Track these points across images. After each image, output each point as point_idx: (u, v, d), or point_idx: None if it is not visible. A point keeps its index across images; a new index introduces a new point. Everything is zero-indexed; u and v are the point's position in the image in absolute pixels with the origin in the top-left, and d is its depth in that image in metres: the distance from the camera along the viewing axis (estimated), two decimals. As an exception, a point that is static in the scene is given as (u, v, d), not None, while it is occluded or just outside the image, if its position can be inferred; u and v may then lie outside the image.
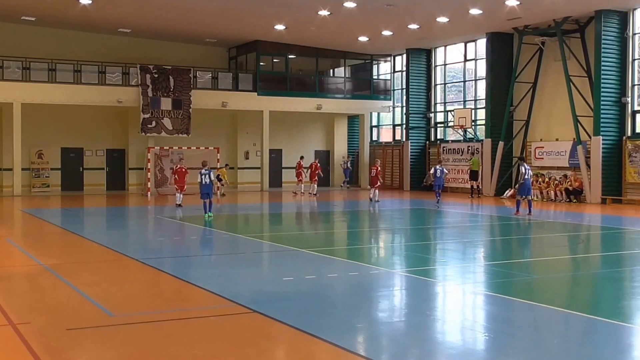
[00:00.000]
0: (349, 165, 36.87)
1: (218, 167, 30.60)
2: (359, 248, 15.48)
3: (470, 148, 32.58)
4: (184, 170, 25.37)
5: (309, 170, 32.01)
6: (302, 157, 32.78)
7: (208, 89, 34.02)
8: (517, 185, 22.22)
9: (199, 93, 33.34)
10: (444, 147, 34.41)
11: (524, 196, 21.45)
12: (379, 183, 27.95)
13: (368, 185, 30.39)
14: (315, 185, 31.66)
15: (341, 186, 36.39)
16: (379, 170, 28.15)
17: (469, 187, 30.93)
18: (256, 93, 34.70)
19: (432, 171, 27.53)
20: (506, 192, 30.02)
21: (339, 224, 21.94)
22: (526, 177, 21.20)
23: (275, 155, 37.05)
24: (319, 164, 32.48)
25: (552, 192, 27.89)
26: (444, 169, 26.78)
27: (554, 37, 28.42)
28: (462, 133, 33.46)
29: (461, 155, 33.13)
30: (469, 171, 31.39)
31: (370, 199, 27.65)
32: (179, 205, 24.09)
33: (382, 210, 24.67)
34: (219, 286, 10.14)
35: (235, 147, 36.91)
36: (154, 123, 32.31)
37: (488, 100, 31.25)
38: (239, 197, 30.85)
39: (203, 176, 20.15)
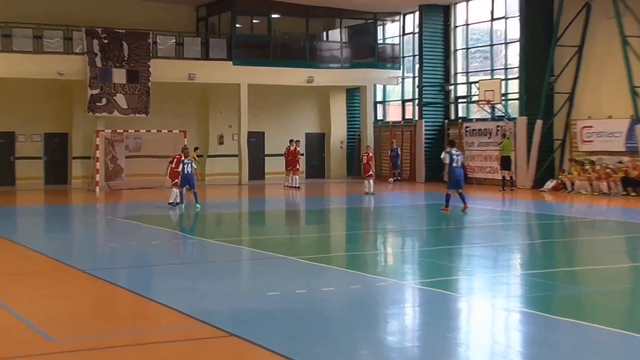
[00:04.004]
0: (398, 151, 36.40)
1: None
2: (361, 254, 15.46)
3: (500, 129, 32.56)
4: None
5: (285, 156, 31.99)
6: (290, 141, 32.71)
7: (171, 57, 33.94)
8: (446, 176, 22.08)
9: (159, 63, 33.24)
10: (467, 127, 34.42)
11: (457, 189, 21.16)
12: (371, 172, 28.45)
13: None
14: (297, 177, 31.71)
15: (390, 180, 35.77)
16: (370, 157, 28.85)
17: (500, 178, 30.94)
18: (231, 62, 34.62)
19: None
20: (547, 184, 30.00)
21: (335, 224, 21.98)
22: (454, 165, 20.90)
23: (256, 140, 37.02)
24: (298, 149, 32.52)
25: (604, 183, 27.88)
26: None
27: (605, -11, 28.44)
28: (489, 110, 33.48)
29: (489, 138, 33.13)
30: (499, 158, 31.37)
31: (366, 193, 27.92)
32: (179, 203, 23.73)
33: (389, 207, 24.73)
34: (187, 303, 10.16)
35: (206, 130, 36.83)
36: (104, 100, 32.21)
37: (522, 69, 31.27)
38: (211, 192, 30.77)
39: (185, 165, 23.22)
